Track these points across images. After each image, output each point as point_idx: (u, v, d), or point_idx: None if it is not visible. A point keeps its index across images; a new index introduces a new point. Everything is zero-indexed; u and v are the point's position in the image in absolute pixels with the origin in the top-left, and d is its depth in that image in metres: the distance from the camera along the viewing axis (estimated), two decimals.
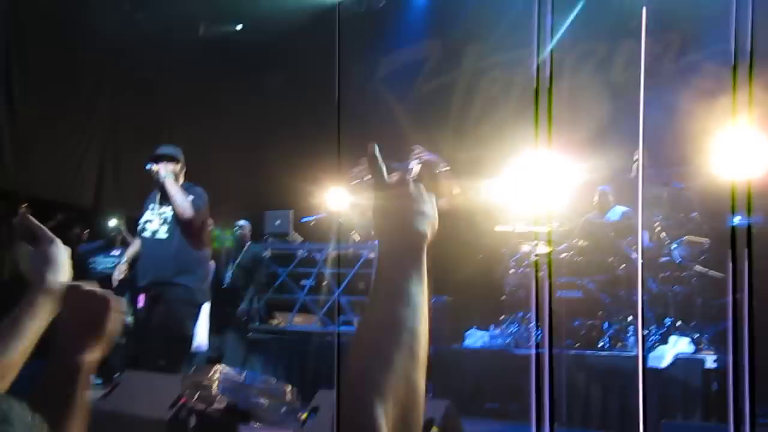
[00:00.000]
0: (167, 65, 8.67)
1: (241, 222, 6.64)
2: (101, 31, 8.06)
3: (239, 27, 9.89)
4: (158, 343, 4.02)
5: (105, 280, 6.56)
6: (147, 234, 4.28)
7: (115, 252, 6.73)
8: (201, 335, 4.31)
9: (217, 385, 2.60)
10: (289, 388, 2.85)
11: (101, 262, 6.67)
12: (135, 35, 8.40)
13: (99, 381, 6.22)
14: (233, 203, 8.61)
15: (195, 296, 4.20)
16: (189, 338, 3.96)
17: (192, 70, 9.05)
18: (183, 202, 4.03)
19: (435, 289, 7.67)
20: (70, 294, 1.02)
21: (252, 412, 2.69)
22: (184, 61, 8.93)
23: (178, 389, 2.90)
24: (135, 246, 4.90)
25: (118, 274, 5.06)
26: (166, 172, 4.12)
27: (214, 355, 5.72)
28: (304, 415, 2.63)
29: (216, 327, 6.21)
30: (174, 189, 4.00)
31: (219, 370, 2.65)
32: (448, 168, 3.60)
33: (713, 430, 2.84)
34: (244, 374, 2.68)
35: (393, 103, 10.01)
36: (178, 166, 4.30)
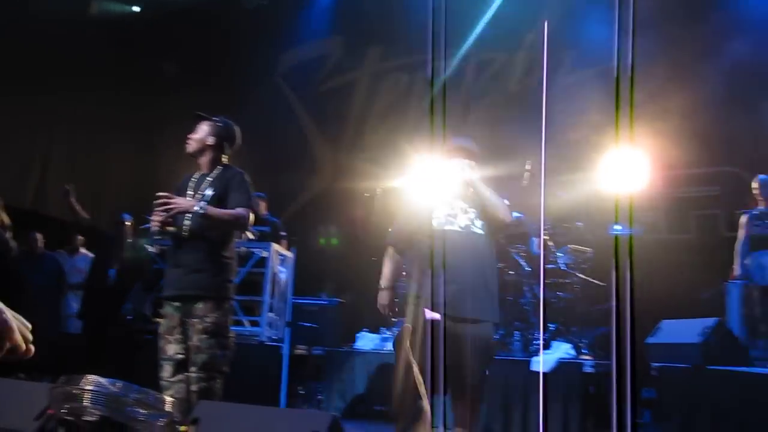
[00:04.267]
0: (55, 47, 8.15)
1: (124, 216, 6.32)
2: None
3: (136, 9, 9.45)
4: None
5: None
6: (455, 228, 3.46)
7: None
8: None
9: (89, 396, 2.44)
10: (168, 398, 2.72)
11: None
12: (19, 12, 7.84)
13: None
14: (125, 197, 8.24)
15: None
16: None
17: (82, 53, 8.55)
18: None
19: (329, 291, 7.67)
20: None
21: (127, 424, 2.55)
22: (73, 43, 8.43)
23: (49, 399, 2.71)
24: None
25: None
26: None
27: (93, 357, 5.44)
28: (183, 428, 2.53)
29: (100, 326, 5.92)
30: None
31: (91, 380, 2.49)
32: None
33: None
34: (118, 384, 2.53)
35: (293, 100, 9.88)
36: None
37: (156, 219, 3.44)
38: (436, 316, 3.21)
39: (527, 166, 6.02)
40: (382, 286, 3.68)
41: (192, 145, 3.68)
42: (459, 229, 3.41)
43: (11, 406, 3.04)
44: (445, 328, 3.09)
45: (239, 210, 3.50)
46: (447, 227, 3.41)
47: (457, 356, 3.18)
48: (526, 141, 7.14)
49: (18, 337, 1.03)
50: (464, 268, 3.32)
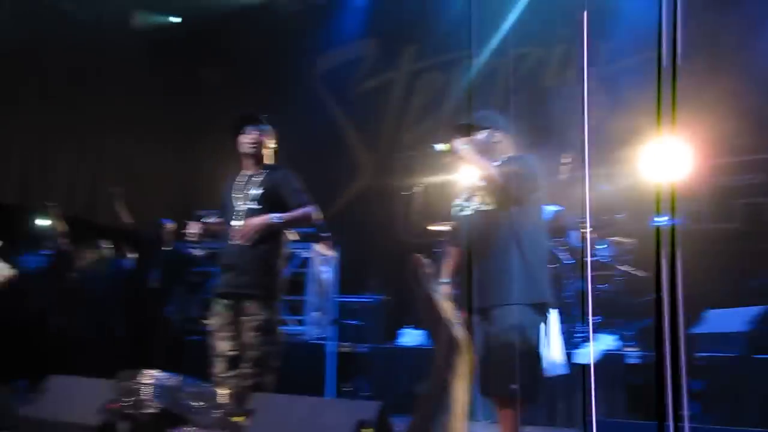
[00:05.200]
0: (96, 58, 8.42)
1: (164, 221, 6.48)
2: (25, 21, 7.77)
3: (176, 19, 9.67)
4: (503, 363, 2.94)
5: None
6: (468, 212, 3.30)
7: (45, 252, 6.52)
8: (555, 350, 3.18)
9: (148, 390, 2.56)
10: (222, 391, 2.83)
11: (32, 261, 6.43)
12: (62, 25, 8.12)
13: (23, 384, 6.03)
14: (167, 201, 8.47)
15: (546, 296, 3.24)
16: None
17: (123, 64, 8.82)
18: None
19: (371, 289, 7.76)
20: None
21: (184, 415, 2.67)
22: (115, 53, 8.69)
23: (108, 394, 2.85)
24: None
25: None
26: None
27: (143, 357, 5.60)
28: (239, 418, 2.63)
29: (145, 329, 6.09)
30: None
31: (150, 374, 2.61)
32: None
33: (637, 428, 2.98)
34: (175, 378, 2.65)
35: (331, 103, 10.00)
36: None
37: (193, 231, 3.62)
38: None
39: (564, 160, 6.01)
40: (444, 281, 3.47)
41: (256, 147, 3.77)
42: (471, 212, 3.26)
43: (75, 402, 3.19)
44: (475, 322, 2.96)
45: (308, 208, 3.64)
46: (462, 212, 3.29)
47: (489, 352, 2.97)
48: (565, 134, 7.13)
49: None
50: (479, 251, 3.09)
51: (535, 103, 8.28)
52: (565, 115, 7.83)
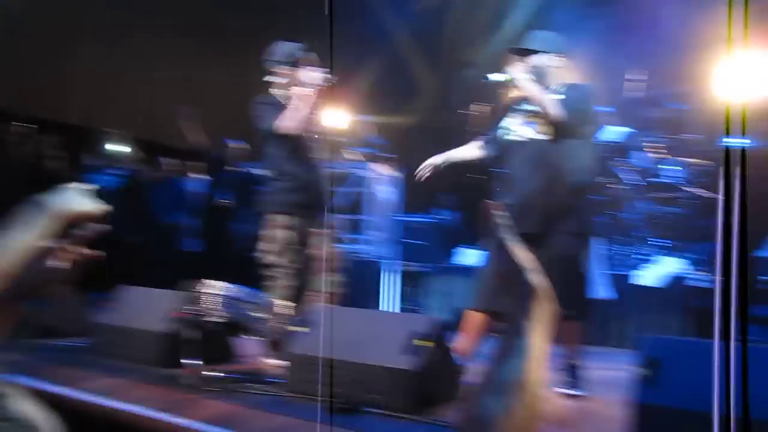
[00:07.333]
0: None
1: (230, 141, 6.58)
2: None
3: None
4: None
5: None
6: (515, 137, 3.22)
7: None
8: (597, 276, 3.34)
9: (211, 299, 2.67)
10: (278, 301, 2.93)
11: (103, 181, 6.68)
12: None
13: (96, 295, 6.39)
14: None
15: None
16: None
17: None
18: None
19: (437, 209, 7.77)
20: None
21: (247, 325, 2.79)
22: None
23: (175, 303, 2.98)
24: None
25: None
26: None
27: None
28: (298, 329, 2.72)
29: (216, 244, 6.30)
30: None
31: (212, 285, 2.72)
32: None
33: (690, 344, 2.95)
34: (239, 289, 2.76)
35: (392, 20, 9.78)
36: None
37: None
38: None
39: (628, 77, 5.77)
40: None
41: None
42: (519, 138, 3.16)
43: (143, 310, 3.37)
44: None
45: None
46: (508, 137, 3.19)
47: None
48: (629, 50, 6.81)
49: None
50: (524, 178, 3.08)
51: (607, 17, 7.89)
52: (628, 31, 7.46)
